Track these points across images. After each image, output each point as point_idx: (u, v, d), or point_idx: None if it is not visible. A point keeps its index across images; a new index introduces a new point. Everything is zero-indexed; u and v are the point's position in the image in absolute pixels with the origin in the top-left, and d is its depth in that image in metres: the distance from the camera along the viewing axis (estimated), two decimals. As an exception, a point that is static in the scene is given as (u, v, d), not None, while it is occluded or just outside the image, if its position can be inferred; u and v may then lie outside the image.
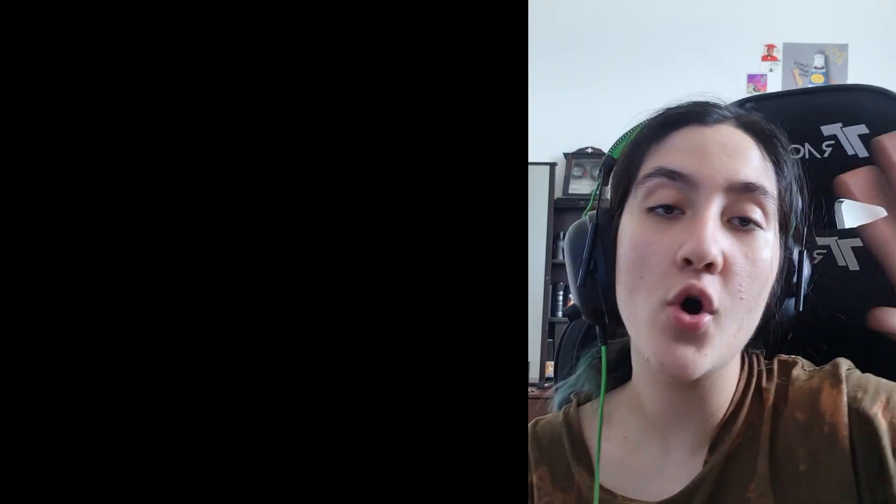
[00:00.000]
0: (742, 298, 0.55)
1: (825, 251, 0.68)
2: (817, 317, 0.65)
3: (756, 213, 0.56)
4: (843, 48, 3.57)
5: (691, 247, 0.53)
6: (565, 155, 3.67)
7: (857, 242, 0.66)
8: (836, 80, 3.50)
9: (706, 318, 0.54)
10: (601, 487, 0.62)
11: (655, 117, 0.61)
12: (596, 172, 3.61)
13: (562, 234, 3.59)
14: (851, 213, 0.71)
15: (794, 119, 0.70)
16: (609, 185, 0.63)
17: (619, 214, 0.60)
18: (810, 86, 3.38)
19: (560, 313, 3.53)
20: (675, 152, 0.58)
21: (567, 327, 0.80)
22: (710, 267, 0.53)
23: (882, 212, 0.67)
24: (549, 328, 3.47)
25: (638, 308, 0.57)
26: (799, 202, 0.61)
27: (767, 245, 0.56)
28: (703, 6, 3.64)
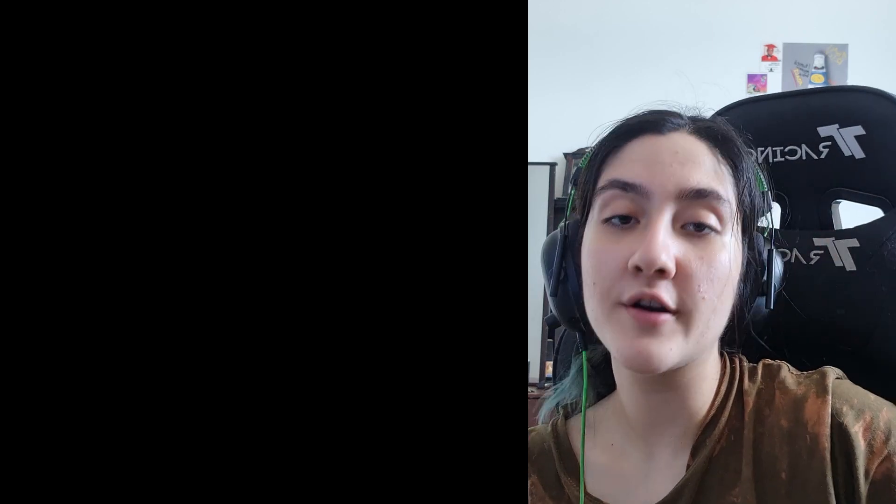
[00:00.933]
0: (704, 299, 0.56)
1: (822, 251, 0.68)
2: (820, 322, 0.64)
3: (710, 219, 0.57)
4: (843, 48, 3.56)
5: (640, 254, 0.54)
6: (565, 155, 3.65)
7: (855, 243, 0.66)
8: (836, 81, 3.50)
9: (664, 316, 0.55)
10: (588, 496, 0.63)
11: (612, 129, 0.63)
12: (596, 172, 3.60)
13: (559, 235, 3.57)
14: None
15: (791, 120, 0.70)
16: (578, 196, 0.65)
17: (584, 224, 0.62)
18: (808, 87, 3.37)
19: (560, 313, 3.51)
20: (628, 163, 0.59)
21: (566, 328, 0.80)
22: (661, 273, 0.54)
23: (879, 212, 0.67)
24: (550, 328, 3.45)
25: (595, 311, 0.58)
26: (762, 202, 0.62)
27: (724, 248, 0.57)
28: (703, 6, 3.62)
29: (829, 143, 0.67)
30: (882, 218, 0.66)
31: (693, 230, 0.57)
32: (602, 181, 0.60)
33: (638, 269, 0.55)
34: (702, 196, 0.57)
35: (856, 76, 3.51)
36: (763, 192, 0.62)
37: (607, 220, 0.58)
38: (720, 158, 0.59)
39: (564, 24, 3.68)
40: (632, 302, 0.55)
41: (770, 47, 3.60)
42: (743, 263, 0.60)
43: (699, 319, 0.56)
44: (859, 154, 0.65)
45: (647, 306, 0.55)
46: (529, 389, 3.04)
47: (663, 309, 0.55)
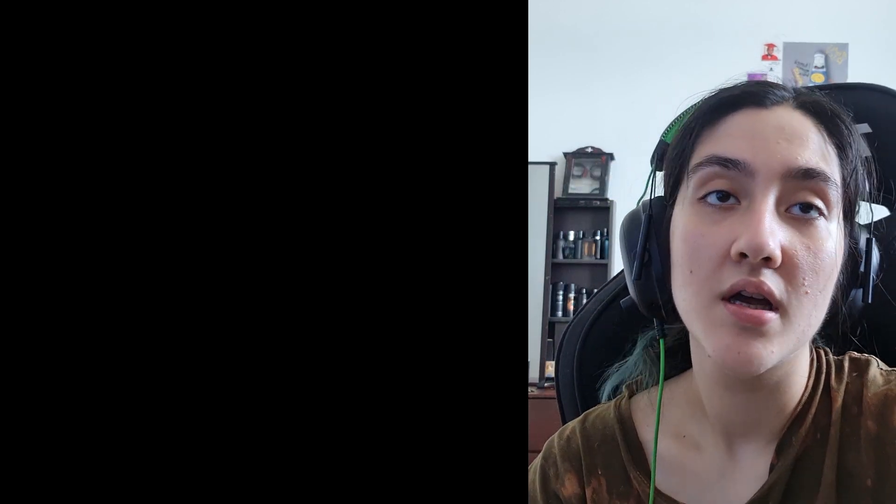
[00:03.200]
0: (807, 293, 0.51)
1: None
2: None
3: (817, 202, 0.52)
4: (844, 47, 3.57)
5: (747, 240, 0.49)
6: (565, 154, 3.66)
7: None
8: (836, 80, 3.50)
9: (768, 315, 0.50)
10: (660, 493, 0.60)
11: (708, 99, 0.57)
12: (596, 172, 3.61)
13: (561, 233, 3.59)
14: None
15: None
16: (662, 173, 0.60)
17: (672, 204, 0.57)
18: (813, 84, 3.38)
19: (560, 313, 3.53)
20: (728, 138, 0.54)
21: (568, 326, 0.79)
22: (767, 261, 0.50)
23: (885, 211, 0.66)
24: (549, 328, 3.47)
25: (689, 303, 0.54)
26: (866, 185, 0.57)
27: (830, 236, 0.52)
28: (703, 6, 3.64)
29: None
30: (889, 216, 0.66)
31: (799, 213, 0.52)
32: (698, 157, 0.55)
33: (742, 255, 0.50)
34: (810, 177, 0.52)
35: (856, 75, 3.52)
36: (867, 174, 0.57)
37: (704, 200, 0.53)
38: (826, 137, 0.54)
39: (564, 24, 3.69)
40: (733, 292, 0.51)
41: (770, 47, 3.61)
42: (844, 253, 0.55)
43: (801, 315, 0.51)
44: (866, 152, 0.64)
45: (749, 298, 0.50)
46: (529, 389, 3.05)
47: (766, 302, 0.50)
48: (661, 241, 0.57)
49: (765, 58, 3.60)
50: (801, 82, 3.52)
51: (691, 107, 0.59)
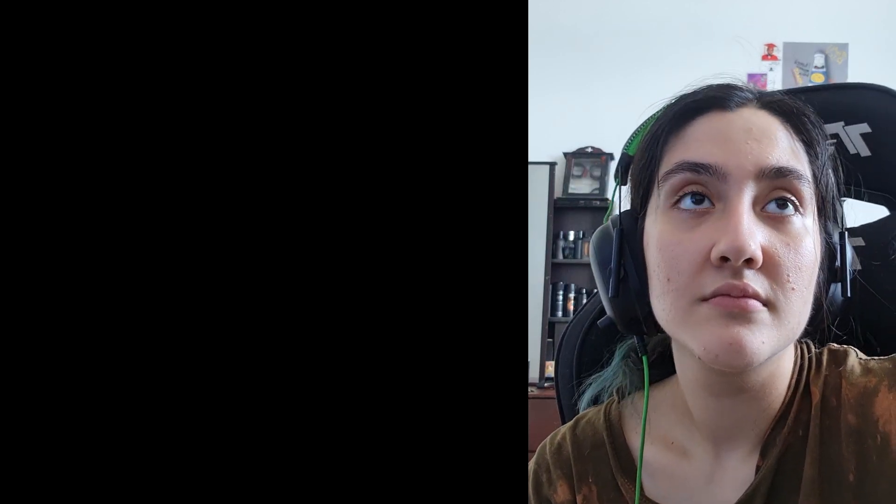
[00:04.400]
0: (794, 289, 0.51)
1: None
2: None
3: (792, 198, 0.52)
4: (844, 47, 3.57)
5: (727, 243, 0.49)
6: (565, 154, 3.66)
7: (860, 242, 0.65)
8: (836, 80, 3.50)
9: (754, 303, 0.50)
10: (648, 500, 0.60)
11: (670, 106, 0.57)
12: (596, 172, 3.61)
13: (561, 233, 3.59)
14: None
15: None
16: (628, 185, 0.59)
17: (643, 216, 0.57)
18: (813, 84, 3.38)
19: (560, 313, 3.53)
20: (696, 143, 0.53)
21: (567, 327, 0.80)
22: (749, 263, 0.49)
23: (884, 211, 0.66)
24: (549, 328, 3.47)
25: (668, 311, 0.53)
26: (832, 180, 0.57)
27: (808, 232, 0.52)
28: (703, 6, 3.63)
29: (835, 140, 0.67)
30: (888, 217, 0.66)
31: (775, 210, 0.52)
32: (668, 165, 0.54)
33: (724, 259, 0.49)
34: (782, 175, 0.51)
35: (856, 75, 3.52)
36: (833, 171, 0.57)
37: (676, 207, 0.53)
38: (794, 135, 0.54)
39: (564, 24, 3.69)
40: (715, 296, 0.50)
41: (770, 47, 3.61)
42: (822, 249, 0.55)
43: (791, 312, 0.51)
44: (865, 152, 0.64)
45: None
46: (529, 389, 3.04)
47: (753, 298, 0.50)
48: (635, 255, 0.56)
49: (765, 58, 3.60)
50: (801, 82, 3.53)
51: (650, 117, 0.58)
